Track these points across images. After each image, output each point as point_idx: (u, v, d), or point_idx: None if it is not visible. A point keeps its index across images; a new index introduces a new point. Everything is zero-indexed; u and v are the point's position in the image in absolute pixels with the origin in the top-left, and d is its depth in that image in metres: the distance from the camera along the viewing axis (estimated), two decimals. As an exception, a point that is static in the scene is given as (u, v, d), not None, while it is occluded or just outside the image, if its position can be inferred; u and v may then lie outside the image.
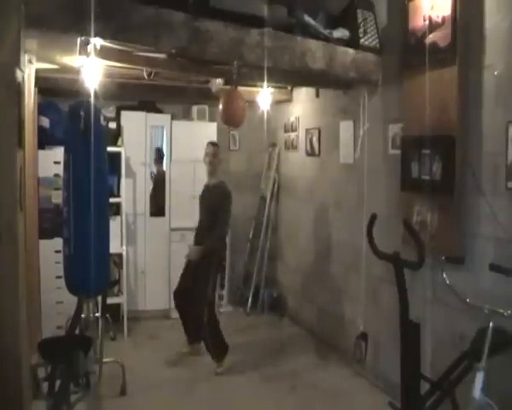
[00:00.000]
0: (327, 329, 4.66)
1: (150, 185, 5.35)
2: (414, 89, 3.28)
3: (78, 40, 2.78)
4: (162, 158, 5.52)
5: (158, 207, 5.35)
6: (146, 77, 3.89)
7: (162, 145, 5.50)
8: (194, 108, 5.46)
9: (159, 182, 5.43)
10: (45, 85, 4.05)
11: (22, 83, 2.48)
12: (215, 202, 4.15)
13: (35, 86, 3.68)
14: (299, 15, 3.43)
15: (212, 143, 4.37)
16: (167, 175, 5.33)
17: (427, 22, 3.12)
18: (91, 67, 3.09)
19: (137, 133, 5.09)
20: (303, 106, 5.23)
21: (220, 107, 3.79)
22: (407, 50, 3.34)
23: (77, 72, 3.22)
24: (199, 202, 4.39)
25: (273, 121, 5.66)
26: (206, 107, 5.46)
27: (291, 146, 5.49)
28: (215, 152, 4.26)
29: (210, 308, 4.03)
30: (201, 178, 5.29)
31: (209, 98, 4.88)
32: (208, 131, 5.36)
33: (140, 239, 5.17)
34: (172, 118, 5.35)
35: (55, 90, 4.32)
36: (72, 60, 3.24)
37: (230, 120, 3.91)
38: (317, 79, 4.03)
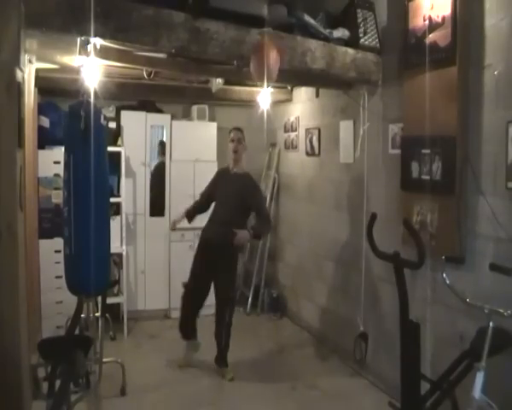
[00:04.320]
0: (327, 329, 4.66)
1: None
2: (414, 89, 3.28)
3: (78, 40, 2.78)
4: (165, 150, 5.43)
5: (157, 202, 5.25)
6: (146, 77, 3.90)
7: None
8: (194, 108, 5.45)
9: (158, 170, 5.33)
10: (45, 85, 4.05)
11: (22, 83, 2.48)
12: (246, 193, 3.99)
13: (35, 86, 3.68)
14: (299, 15, 3.42)
15: (237, 128, 4.22)
16: (167, 175, 5.32)
17: (427, 22, 3.12)
18: (91, 66, 3.09)
19: (137, 133, 5.09)
20: (303, 106, 5.23)
21: (252, 61, 3.12)
22: (407, 50, 3.34)
23: (77, 72, 3.22)
24: (213, 188, 4.17)
25: (273, 121, 5.66)
26: (206, 107, 5.46)
27: (291, 146, 5.49)
28: (240, 137, 4.13)
29: (232, 308, 4.01)
30: (201, 177, 5.31)
31: (209, 98, 4.89)
32: (208, 131, 5.37)
33: (140, 239, 5.16)
34: (172, 118, 5.34)
35: (55, 90, 4.31)
36: (71, 60, 3.24)
37: (262, 73, 3.11)
38: (317, 79, 4.02)
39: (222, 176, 4.22)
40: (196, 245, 4.21)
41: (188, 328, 4.09)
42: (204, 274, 3.98)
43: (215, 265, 3.92)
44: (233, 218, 3.90)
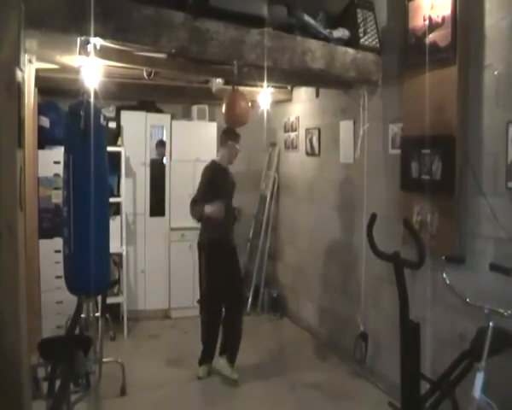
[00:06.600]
0: (327, 329, 4.66)
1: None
2: (414, 89, 3.28)
3: (78, 40, 2.78)
4: (164, 145, 5.42)
5: (157, 195, 5.27)
6: (146, 77, 3.89)
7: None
8: (194, 108, 5.46)
9: (156, 164, 5.34)
10: (45, 85, 4.05)
11: (22, 83, 2.48)
12: (233, 187, 4.13)
13: (35, 86, 3.68)
14: (299, 15, 3.43)
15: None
16: (167, 175, 5.32)
17: (427, 22, 3.12)
18: (91, 66, 3.09)
19: (137, 133, 5.09)
20: (303, 106, 5.23)
21: (223, 108, 3.84)
22: (407, 50, 3.34)
23: (77, 72, 3.22)
24: (214, 186, 3.88)
25: (273, 121, 5.66)
26: (206, 107, 5.46)
27: (291, 146, 5.49)
28: None
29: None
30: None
31: (209, 98, 4.88)
32: (208, 130, 5.36)
33: (140, 239, 5.17)
34: (172, 118, 5.34)
35: (55, 90, 4.31)
36: (71, 60, 3.24)
37: (234, 120, 3.95)
38: (317, 79, 4.02)
39: (220, 174, 4.00)
40: (206, 250, 3.97)
41: (214, 348, 3.96)
42: (230, 277, 3.89)
43: (233, 266, 3.95)
44: (230, 212, 4.04)
